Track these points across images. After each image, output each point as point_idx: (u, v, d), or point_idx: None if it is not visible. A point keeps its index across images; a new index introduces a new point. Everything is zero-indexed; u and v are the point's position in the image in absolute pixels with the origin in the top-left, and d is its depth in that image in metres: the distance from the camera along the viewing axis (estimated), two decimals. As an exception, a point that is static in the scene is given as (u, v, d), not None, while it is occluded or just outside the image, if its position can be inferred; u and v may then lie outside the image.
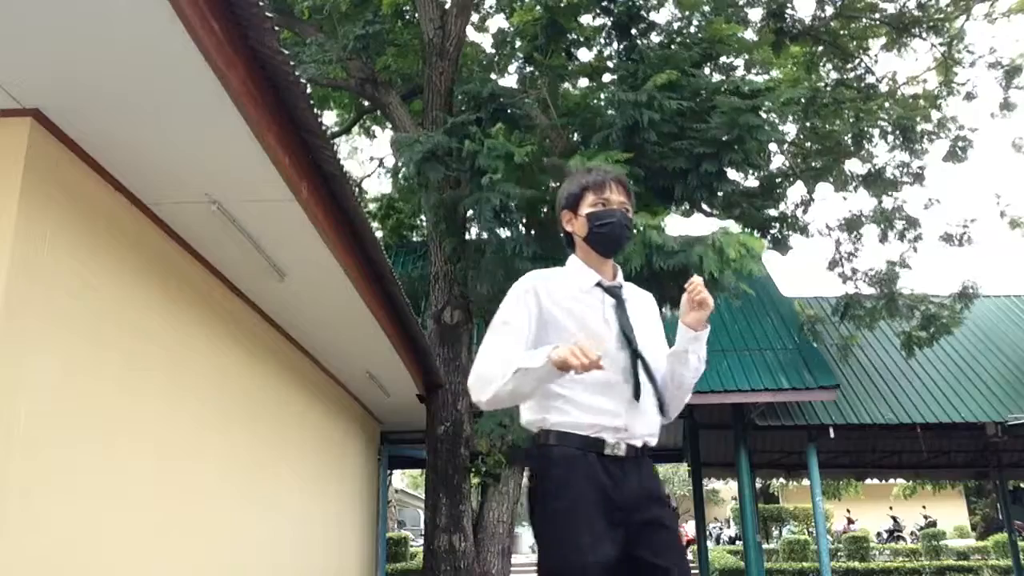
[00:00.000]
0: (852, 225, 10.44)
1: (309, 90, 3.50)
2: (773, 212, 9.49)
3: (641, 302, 2.33)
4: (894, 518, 23.45)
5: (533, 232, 8.22)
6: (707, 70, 8.71)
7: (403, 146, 7.67)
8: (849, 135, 9.20)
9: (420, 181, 7.46)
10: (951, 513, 24.72)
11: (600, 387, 2.10)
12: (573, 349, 1.89)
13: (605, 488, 2.02)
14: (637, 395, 2.12)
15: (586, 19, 9.43)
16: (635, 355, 2.15)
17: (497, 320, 2.18)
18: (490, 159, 6.91)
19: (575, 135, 8.57)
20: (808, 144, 10.01)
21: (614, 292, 2.23)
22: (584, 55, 9.75)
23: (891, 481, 21.14)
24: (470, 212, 7.38)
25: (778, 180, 9.63)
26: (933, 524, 21.66)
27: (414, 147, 7.29)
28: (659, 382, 2.19)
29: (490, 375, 2.05)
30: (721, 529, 25.19)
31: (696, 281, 2.12)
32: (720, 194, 7.77)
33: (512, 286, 2.23)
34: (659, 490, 2.13)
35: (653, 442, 2.17)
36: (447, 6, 8.99)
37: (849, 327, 10.93)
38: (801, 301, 12.87)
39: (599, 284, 2.23)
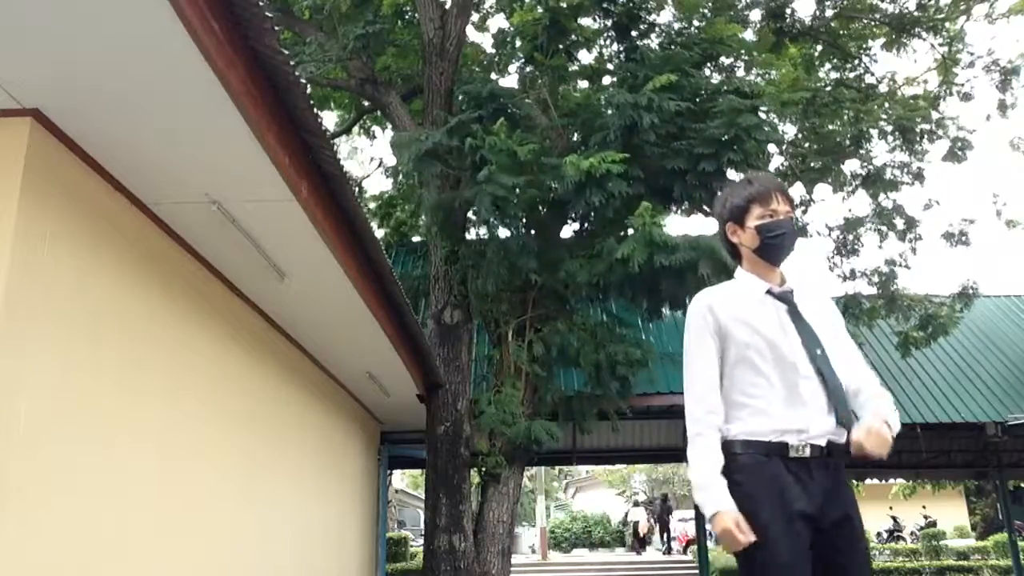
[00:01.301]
0: (851, 225, 10.44)
1: (309, 90, 3.50)
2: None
3: (816, 303, 2.34)
4: (894, 518, 23.43)
5: (533, 231, 8.23)
6: (707, 71, 8.71)
7: (403, 145, 7.67)
8: (848, 136, 9.20)
9: (420, 179, 7.47)
10: (951, 513, 24.70)
11: (782, 393, 2.17)
12: (730, 530, 2.04)
13: (791, 489, 2.09)
14: (831, 401, 2.15)
15: (586, 21, 9.43)
16: (815, 358, 2.18)
17: (688, 349, 2.30)
18: (493, 154, 6.91)
19: (575, 135, 8.57)
20: (807, 144, 10.01)
21: (785, 298, 2.27)
22: (584, 56, 9.75)
23: (891, 481, 21.13)
24: (470, 211, 7.38)
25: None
26: (933, 524, 21.65)
27: (414, 145, 7.29)
28: (843, 381, 2.20)
29: (692, 428, 2.22)
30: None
31: (867, 447, 2.10)
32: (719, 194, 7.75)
33: (688, 308, 2.34)
34: (846, 489, 2.15)
35: (841, 439, 2.16)
36: (447, 6, 8.99)
37: (849, 327, 10.91)
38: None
39: (769, 292, 2.28)
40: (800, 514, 2.06)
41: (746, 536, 2.04)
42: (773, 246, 2.26)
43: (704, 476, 2.14)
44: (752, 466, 2.13)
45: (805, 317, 2.24)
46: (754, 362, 2.19)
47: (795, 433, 2.12)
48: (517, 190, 7.12)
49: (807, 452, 2.11)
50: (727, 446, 2.19)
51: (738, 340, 2.21)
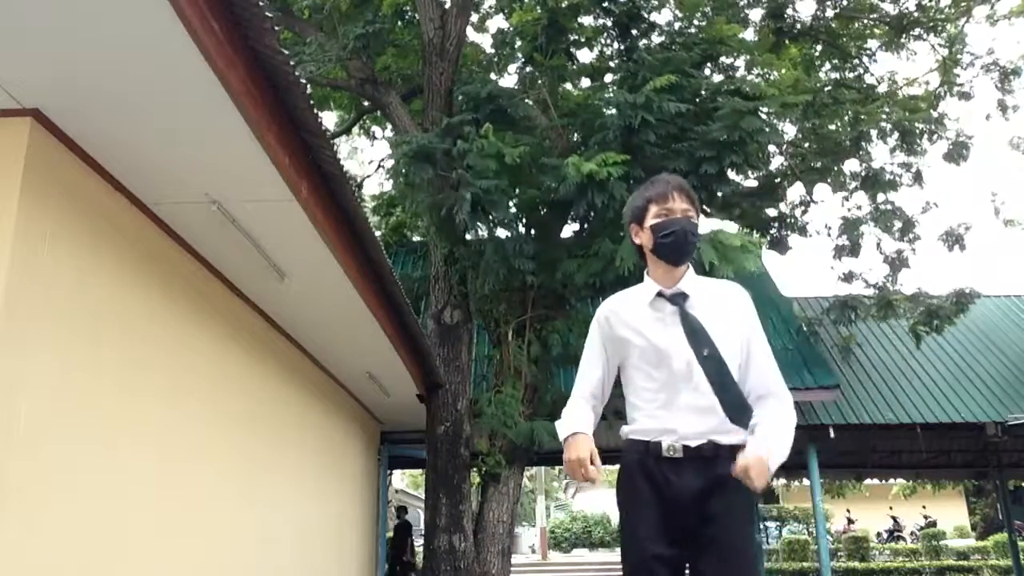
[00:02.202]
0: (851, 226, 10.42)
1: (309, 90, 3.50)
2: (772, 212, 9.48)
3: (715, 301, 2.27)
4: (894, 518, 23.43)
5: (533, 231, 8.23)
6: (707, 71, 8.70)
7: (394, 146, 7.68)
8: (848, 136, 9.20)
9: (409, 181, 7.46)
10: (951, 513, 24.68)
11: (663, 395, 2.20)
12: (570, 464, 2.15)
13: (661, 488, 2.14)
14: (717, 401, 2.15)
15: (587, 20, 9.43)
16: (701, 359, 2.17)
17: (584, 350, 2.40)
18: (481, 159, 6.91)
19: (575, 135, 8.57)
20: (807, 145, 10.01)
21: (674, 300, 2.25)
22: (585, 56, 9.75)
23: (891, 481, 21.14)
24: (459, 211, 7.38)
25: (777, 180, 9.64)
26: (933, 524, 21.66)
27: (402, 147, 7.31)
28: (731, 380, 2.17)
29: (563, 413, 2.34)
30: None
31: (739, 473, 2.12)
32: (720, 195, 7.77)
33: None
34: (722, 486, 2.10)
35: (723, 440, 2.14)
36: (447, 6, 8.99)
37: (848, 327, 10.91)
38: (801, 301, 12.86)
39: (660, 294, 2.27)
40: (669, 510, 2.12)
41: (589, 474, 2.12)
42: (665, 244, 2.24)
43: (564, 415, 2.28)
44: (629, 464, 2.21)
45: (698, 318, 2.20)
46: (643, 367, 2.23)
47: (670, 433, 2.15)
48: (508, 192, 7.10)
49: (679, 452, 2.14)
50: (623, 445, 2.26)
51: (631, 346, 2.25)
